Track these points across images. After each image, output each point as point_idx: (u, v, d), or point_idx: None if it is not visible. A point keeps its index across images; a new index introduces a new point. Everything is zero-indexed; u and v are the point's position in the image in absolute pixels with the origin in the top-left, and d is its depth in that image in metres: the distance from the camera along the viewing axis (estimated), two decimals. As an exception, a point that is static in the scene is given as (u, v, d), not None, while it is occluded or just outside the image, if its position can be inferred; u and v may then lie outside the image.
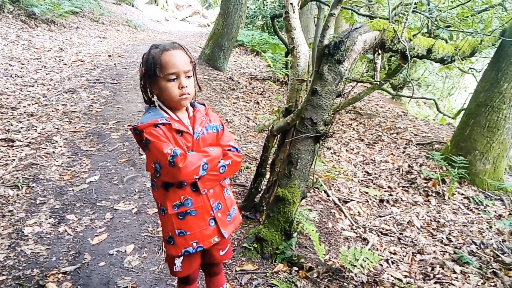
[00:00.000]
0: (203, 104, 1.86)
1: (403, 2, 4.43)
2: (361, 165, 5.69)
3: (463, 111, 6.66)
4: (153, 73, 1.64)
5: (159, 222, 3.10)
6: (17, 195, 3.49)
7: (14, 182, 3.63)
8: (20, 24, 9.03)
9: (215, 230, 1.83)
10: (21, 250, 2.84)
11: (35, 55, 7.71)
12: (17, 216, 3.21)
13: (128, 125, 1.70)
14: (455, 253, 3.67)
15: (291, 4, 3.17)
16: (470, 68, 8.04)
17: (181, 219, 1.73)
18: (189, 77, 1.70)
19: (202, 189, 1.74)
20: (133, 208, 3.47)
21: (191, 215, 1.75)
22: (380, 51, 3.67)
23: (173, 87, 1.66)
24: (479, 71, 7.63)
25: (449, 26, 4.88)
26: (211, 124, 1.83)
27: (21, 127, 4.68)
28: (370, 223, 4.11)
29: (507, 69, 4.98)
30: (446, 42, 5.17)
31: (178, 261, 1.86)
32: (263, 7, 15.85)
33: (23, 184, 3.63)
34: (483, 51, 6.22)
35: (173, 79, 1.66)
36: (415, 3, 4.14)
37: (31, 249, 2.86)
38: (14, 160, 4.01)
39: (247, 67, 11.13)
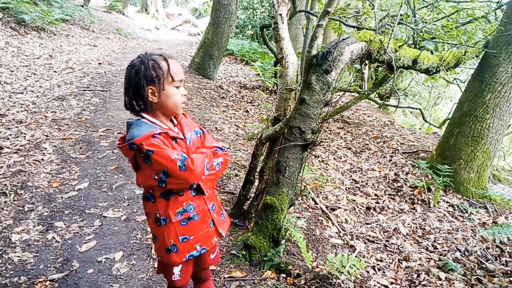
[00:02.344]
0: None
1: (389, 13, 4.53)
2: (348, 173, 5.75)
3: (448, 121, 6.78)
4: (163, 78, 1.65)
5: (149, 230, 3.11)
6: (5, 202, 3.48)
7: (2, 189, 3.61)
8: (9, 31, 9.00)
9: (214, 231, 1.89)
10: (8, 257, 2.84)
11: (25, 62, 7.69)
12: (5, 223, 3.20)
13: (117, 145, 1.67)
14: (440, 260, 3.73)
15: (280, 15, 3.24)
16: (455, 79, 8.19)
17: (184, 225, 1.76)
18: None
19: (205, 190, 1.79)
20: (122, 216, 3.48)
21: (194, 219, 1.78)
22: (367, 62, 3.75)
23: (178, 94, 1.71)
24: (464, 82, 7.77)
25: (434, 38, 4.99)
26: (195, 129, 1.88)
27: (10, 134, 4.67)
28: (357, 230, 4.16)
29: (490, 79, 5.10)
30: (432, 53, 5.28)
31: (177, 270, 1.88)
32: (253, 17, 16.00)
33: (11, 191, 3.62)
34: (468, 62, 6.35)
35: (178, 86, 1.70)
36: (401, 15, 4.25)
37: (18, 256, 2.86)
38: (2, 167, 3.99)
39: (236, 76, 11.20)
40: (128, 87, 1.68)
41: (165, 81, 1.65)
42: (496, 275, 3.49)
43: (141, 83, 1.64)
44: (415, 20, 4.82)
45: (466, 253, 3.89)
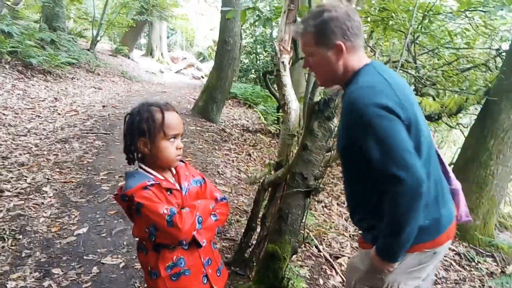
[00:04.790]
0: (182, 161, 1.86)
1: (390, 59, 4.61)
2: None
3: (452, 166, 6.74)
4: (155, 132, 1.64)
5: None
6: (2, 247, 3.41)
7: (0, 234, 3.56)
8: (16, 74, 9.18)
9: (208, 287, 1.81)
10: (2, 306, 2.76)
11: (30, 104, 7.79)
12: (1, 270, 3.12)
13: (113, 196, 1.72)
14: (448, 312, 3.60)
15: (282, 62, 3.30)
16: (457, 124, 8.24)
17: (174, 280, 1.69)
18: (181, 138, 1.75)
19: (201, 241, 1.71)
20: (120, 263, 3.39)
21: (185, 274, 1.71)
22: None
23: (172, 147, 1.68)
24: (466, 127, 7.80)
25: (434, 84, 5.06)
26: (195, 178, 1.85)
27: (11, 177, 4.65)
28: (362, 279, 4.03)
29: (492, 126, 5.12)
30: (434, 99, 5.33)
31: None
32: (256, 62, 16.33)
33: (9, 236, 3.56)
34: (470, 107, 6.40)
35: (173, 140, 1.69)
36: (402, 62, 4.31)
37: (13, 305, 2.78)
38: (1, 210, 3.95)
39: (239, 118, 11.29)
40: (124, 135, 1.72)
41: (157, 135, 1.65)
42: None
43: (134, 133, 1.66)
44: (417, 66, 4.90)
45: (475, 305, 3.77)
